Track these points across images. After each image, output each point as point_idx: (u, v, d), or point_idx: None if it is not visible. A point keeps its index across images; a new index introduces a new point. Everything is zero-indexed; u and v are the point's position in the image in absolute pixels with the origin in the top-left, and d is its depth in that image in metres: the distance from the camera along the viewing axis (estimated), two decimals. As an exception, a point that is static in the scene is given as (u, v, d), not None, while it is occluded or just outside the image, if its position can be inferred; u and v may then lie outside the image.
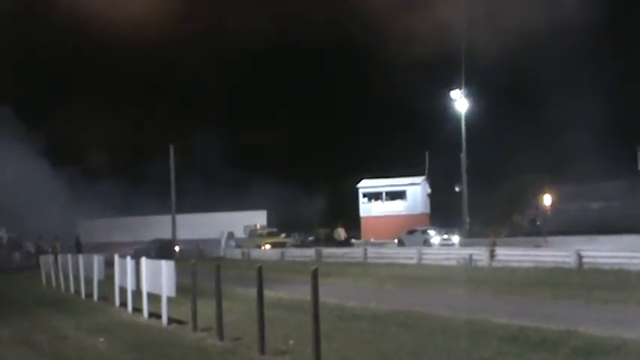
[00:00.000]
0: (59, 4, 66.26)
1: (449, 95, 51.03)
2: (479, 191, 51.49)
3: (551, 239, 37.79)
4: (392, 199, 57.32)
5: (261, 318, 10.88)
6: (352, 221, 55.75)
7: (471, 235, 45.45)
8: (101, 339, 13.51)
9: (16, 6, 65.16)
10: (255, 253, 43.73)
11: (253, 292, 11.67)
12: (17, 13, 65.61)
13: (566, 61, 58.14)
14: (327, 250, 38.10)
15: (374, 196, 58.12)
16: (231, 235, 54.06)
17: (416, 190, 57.03)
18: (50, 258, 30.02)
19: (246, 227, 55.63)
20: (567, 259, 24.70)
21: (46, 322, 17.20)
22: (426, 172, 58.01)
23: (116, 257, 18.94)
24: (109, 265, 20.66)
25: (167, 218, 54.11)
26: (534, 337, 11.10)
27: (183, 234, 54.08)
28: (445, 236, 43.71)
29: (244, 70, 71.91)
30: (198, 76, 70.63)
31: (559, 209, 46.63)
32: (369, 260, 33.51)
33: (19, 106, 60.10)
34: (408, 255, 32.48)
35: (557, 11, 55.90)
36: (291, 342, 11.55)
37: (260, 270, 11.14)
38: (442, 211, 54.68)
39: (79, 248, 45.61)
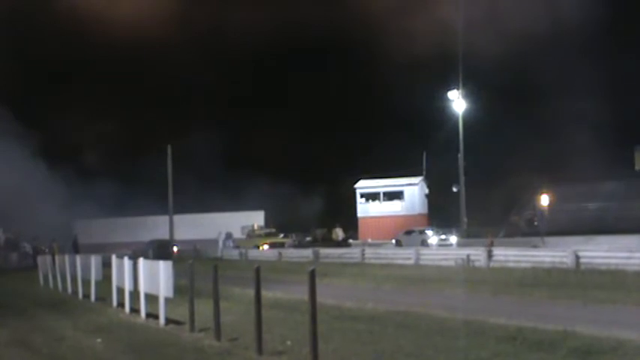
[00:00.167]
0: (58, 3, 66.33)
1: (447, 96, 51.09)
2: (476, 191, 51.57)
3: (549, 239, 37.84)
4: (389, 200, 57.37)
5: (258, 318, 10.87)
6: (350, 222, 55.77)
7: (469, 236, 45.49)
8: (98, 340, 13.50)
9: (14, 6, 65.15)
10: (252, 254, 43.70)
11: (251, 292, 11.67)
12: (15, 13, 65.60)
13: (564, 61, 58.31)
14: (325, 251, 38.07)
15: (371, 197, 58.17)
16: (229, 236, 54.07)
17: (413, 190, 57.07)
18: (48, 258, 29.98)
19: (243, 228, 55.65)
20: (565, 260, 24.71)
21: (44, 322, 17.18)
22: (424, 172, 58.10)
23: (113, 258, 18.92)
24: (106, 265, 20.64)
25: (164, 219, 54.16)
26: (532, 337, 11.11)
27: (180, 234, 54.09)
28: (443, 237, 43.71)
29: (242, 71, 72.01)
30: (196, 77, 70.69)
31: (556, 209, 46.67)
32: (366, 261, 33.48)
33: (16, 107, 60.08)
34: (405, 255, 32.44)
35: (555, 12, 56.02)
36: (289, 342, 11.55)
37: (258, 270, 11.14)
38: (440, 212, 54.76)
39: (76, 249, 45.57)
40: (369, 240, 50.76)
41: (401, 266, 29.82)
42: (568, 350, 10.09)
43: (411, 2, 64.99)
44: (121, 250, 38.44)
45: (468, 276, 23.30)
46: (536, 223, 46.48)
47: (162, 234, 53.22)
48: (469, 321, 12.75)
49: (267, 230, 54.94)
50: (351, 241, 48.33)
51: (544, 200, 46.82)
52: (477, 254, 28.28)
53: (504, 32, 54.41)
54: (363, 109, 69.07)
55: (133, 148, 65.24)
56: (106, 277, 20.23)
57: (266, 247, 47.81)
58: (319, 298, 9.79)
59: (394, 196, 57.38)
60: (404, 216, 55.03)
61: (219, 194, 61.73)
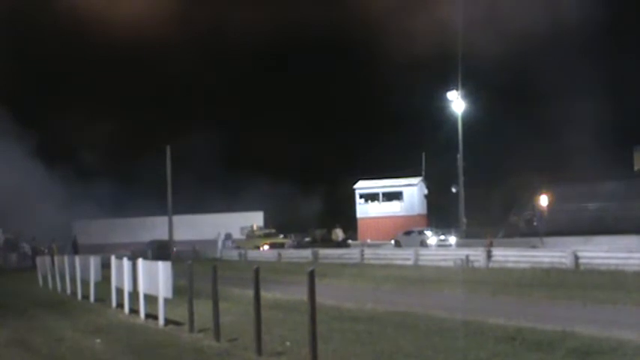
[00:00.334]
0: (58, 3, 66.34)
1: (446, 96, 51.07)
2: (476, 192, 51.55)
3: (548, 240, 37.84)
4: (389, 200, 57.37)
5: (257, 319, 10.87)
6: (349, 222, 55.77)
7: (468, 236, 45.46)
8: (98, 340, 13.49)
9: (14, 6, 65.14)
10: (252, 254, 43.71)
11: (250, 293, 11.67)
12: (15, 13, 65.59)
13: (564, 61, 58.31)
14: (324, 251, 38.07)
15: (371, 197, 58.17)
16: (228, 236, 54.07)
17: (412, 191, 57.06)
18: (47, 259, 29.97)
19: (242, 228, 55.65)
20: (564, 260, 24.73)
21: (43, 323, 17.17)
22: (423, 173, 58.06)
23: (113, 258, 18.91)
24: (105, 266, 20.63)
25: (164, 219, 54.05)
26: (531, 337, 11.11)
27: (179, 235, 54.03)
28: (442, 237, 43.71)
29: (241, 71, 71.97)
30: (196, 77, 70.68)
31: (556, 209, 46.67)
32: (365, 261, 33.49)
33: (15, 106, 60.11)
34: (404, 256, 32.45)
35: (555, 12, 56.04)
36: (288, 343, 11.55)
37: (257, 271, 11.14)
38: (439, 212, 54.71)
39: (75, 249, 45.54)
40: (369, 240, 50.76)
41: (400, 267, 29.83)
42: (567, 351, 10.09)
43: (411, 2, 65.07)
44: (120, 250, 38.47)
45: (467, 276, 23.31)
46: (535, 224, 46.49)
47: (162, 234, 53.16)
48: (468, 321, 12.76)
49: (267, 231, 54.90)
50: (350, 241, 48.32)
51: (543, 200, 46.83)
52: (476, 255, 28.29)
53: (504, 32, 54.47)
54: (363, 109, 69.09)
55: (133, 148, 65.26)
56: (105, 278, 20.20)
57: (266, 247, 47.81)
58: (318, 299, 9.79)
59: (393, 196, 57.38)
60: (403, 216, 55.02)
61: (218, 194, 61.73)
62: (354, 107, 69.54)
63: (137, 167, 59.88)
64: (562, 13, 55.96)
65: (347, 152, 67.26)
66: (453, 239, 43.34)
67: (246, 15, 71.30)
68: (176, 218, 54.13)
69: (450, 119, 50.79)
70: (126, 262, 17.41)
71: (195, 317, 13.77)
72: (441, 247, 39.72)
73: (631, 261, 22.62)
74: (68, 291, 23.98)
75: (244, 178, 63.69)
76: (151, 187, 57.22)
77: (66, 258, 25.52)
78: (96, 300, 20.64)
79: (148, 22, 61.36)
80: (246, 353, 11.09)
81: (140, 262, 16.39)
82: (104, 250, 36.07)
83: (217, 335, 12.43)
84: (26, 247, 51.61)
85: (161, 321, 14.72)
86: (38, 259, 32.65)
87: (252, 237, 52.65)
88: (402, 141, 60.23)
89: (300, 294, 14.07)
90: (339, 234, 48.10)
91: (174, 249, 48.73)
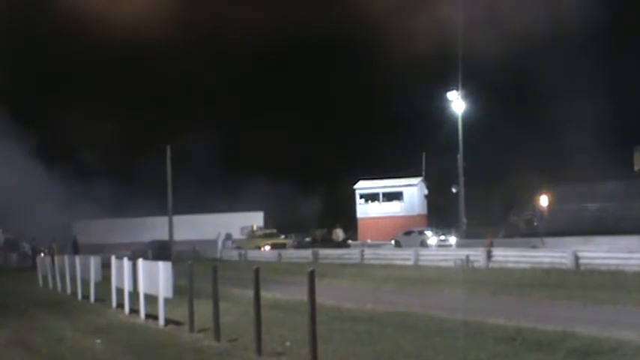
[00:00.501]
0: (58, 3, 66.33)
1: (446, 96, 51.05)
2: (476, 192, 51.54)
3: (548, 240, 37.81)
4: (389, 201, 57.38)
5: (257, 319, 10.87)
6: (349, 222, 55.77)
7: (468, 236, 45.44)
8: (98, 340, 13.50)
9: (14, 6, 65.15)
10: (252, 254, 43.71)
11: (250, 293, 11.67)
12: (15, 13, 65.60)
13: (564, 61, 58.30)
14: (324, 252, 38.06)
15: (371, 198, 58.18)
16: (228, 236, 54.05)
17: (413, 191, 57.06)
18: (47, 259, 29.97)
19: (242, 228, 55.60)
20: (564, 260, 24.71)
21: (43, 323, 17.17)
22: (423, 173, 58.05)
23: (113, 258, 18.92)
24: (105, 266, 20.63)
25: (164, 219, 54.09)
26: (531, 338, 11.11)
27: (180, 235, 54.04)
28: (442, 237, 43.70)
29: (241, 71, 71.98)
30: (196, 77, 70.66)
31: (556, 210, 46.66)
32: (365, 261, 33.48)
33: (15, 106, 60.10)
34: (404, 256, 32.44)
35: (555, 12, 56.03)
36: (288, 343, 11.55)
37: (257, 271, 11.14)
38: (439, 212, 54.71)
39: (75, 249, 45.54)
40: (369, 241, 50.74)
41: (400, 267, 29.82)
42: (567, 351, 10.09)
43: (411, 2, 65.08)
44: (121, 250, 38.46)
45: (467, 276, 23.30)
46: (535, 224, 46.48)
47: (162, 234, 53.18)
48: (468, 322, 12.76)
49: (268, 231, 54.89)
50: (350, 241, 48.32)
51: (543, 200, 46.81)
52: (476, 255, 28.27)
53: (504, 32, 54.47)
54: (363, 109, 69.08)
55: (133, 148, 65.28)
56: (105, 278, 20.20)
57: (267, 247, 47.79)
58: (318, 299, 9.79)
59: (393, 196, 57.39)
60: (403, 217, 55.02)
61: (218, 194, 61.72)
62: (354, 107, 69.57)
63: (137, 167, 59.91)
64: (562, 13, 55.97)
65: (347, 152, 67.29)
66: (453, 239, 43.32)
67: (246, 15, 71.38)
68: (176, 218, 54.16)
69: (450, 119, 50.75)
70: (126, 262, 17.42)
71: (196, 317, 13.77)
72: (441, 248, 39.71)
73: (631, 261, 22.59)
74: (68, 291, 23.98)
75: (244, 178, 63.71)
76: (151, 187, 57.25)
77: (66, 258, 25.53)
78: (96, 300, 20.65)
79: (148, 22, 61.40)
80: (246, 353, 11.09)
81: (140, 262, 16.39)
82: (104, 250, 36.08)
83: (217, 335, 12.43)
84: (26, 247, 51.60)
85: (161, 321, 14.72)
86: (38, 259, 32.66)
87: (252, 237, 52.62)
88: (402, 141, 60.24)
89: (300, 294, 14.07)
90: (339, 234, 48.10)
91: (174, 249, 48.73)
